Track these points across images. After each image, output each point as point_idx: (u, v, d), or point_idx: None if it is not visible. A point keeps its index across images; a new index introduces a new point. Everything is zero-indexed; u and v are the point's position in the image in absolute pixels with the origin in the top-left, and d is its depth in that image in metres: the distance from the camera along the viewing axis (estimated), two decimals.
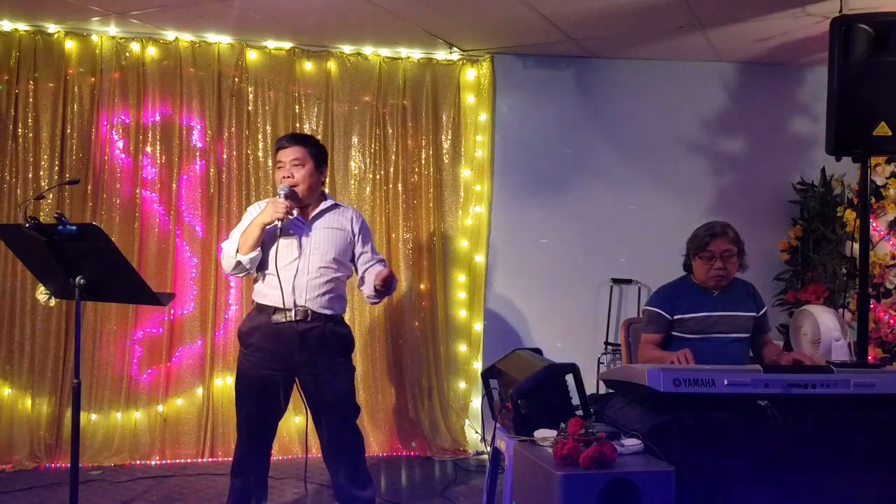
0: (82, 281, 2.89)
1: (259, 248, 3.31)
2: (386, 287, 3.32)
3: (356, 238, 3.48)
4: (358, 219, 3.52)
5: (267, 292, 3.35)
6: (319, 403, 3.41)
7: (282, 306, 3.29)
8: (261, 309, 3.38)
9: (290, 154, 3.38)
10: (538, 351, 3.21)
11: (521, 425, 2.65)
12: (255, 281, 3.44)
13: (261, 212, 3.32)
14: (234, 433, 4.79)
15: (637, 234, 5.27)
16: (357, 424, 3.52)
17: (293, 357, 3.30)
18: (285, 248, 3.32)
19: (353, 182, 5.07)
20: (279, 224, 3.25)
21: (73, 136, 4.74)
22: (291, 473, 4.42)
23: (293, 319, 3.29)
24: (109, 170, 4.80)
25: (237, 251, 3.32)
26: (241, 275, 3.48)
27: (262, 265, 3.37)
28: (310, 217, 3.41)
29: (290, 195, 3.33)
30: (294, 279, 3.31)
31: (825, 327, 3.85)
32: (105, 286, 2.98)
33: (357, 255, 3.50)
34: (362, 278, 3.52)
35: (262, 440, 3.43)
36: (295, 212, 3.34)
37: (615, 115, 5.32)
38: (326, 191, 3.65)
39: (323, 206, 3.45)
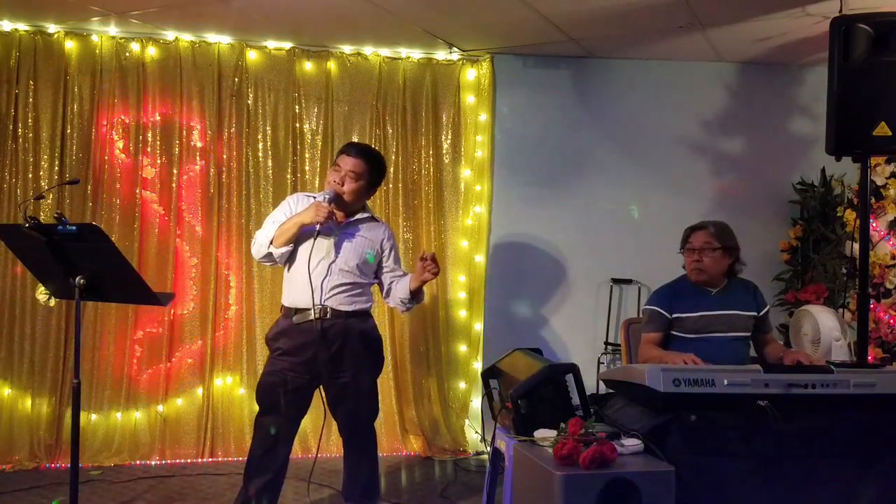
0: (82, 281, 2.89)
1: (292, 244, 3.37)
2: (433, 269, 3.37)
3: (386, 254, 3.54)
4: (389, 237, 3.58)
5: (290, 292, 3.41)
6: (340, 402, 3.46)
7: (303, 307, 3.35)
8: (285, 313, 3.45)
9: (351, 164, 3.41)
10: (538, 351, 3.21)
11: (521, 425, 2.65)
12: (285, 276, 3.48)
13: (303, 211, 3.36)
14: (234, 433, 4.85)
15: (637, 234, 5.27)
16: (374, 427, 3.59)
17: (317, 356, 3.34)
18: (314, 248, 3.35)
19: None
20: (318, 227, 3.29)
21: (73, 136, 4.74)
22: (292, 473, 4.38)
23: (313, 318, 3.33)
24: (109, 170, 4.80)
25: (271, 243, 3.37)
26: (268, 264, 3.53)
27: (289, 260, 3.42)
28: (344, 221, 3.46)
29: (334, 199, 3.37)
30: (315, 279, 3.34)
31: (825, 327, 3.85)
32: (105, 286, 2.98)
33: (384, 269, 3.55)
34: (388, 290, 3.58)
35: (280, 442, 3.44)
36: (335, 216, 3.39)
37: (615, 115, 5.32)
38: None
39: (360, 215, 3.50)
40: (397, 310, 3.81)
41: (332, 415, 3.52)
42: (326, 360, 3.36)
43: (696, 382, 2.60)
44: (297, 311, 3.37)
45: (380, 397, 4.97)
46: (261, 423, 3.45)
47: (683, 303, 3.58)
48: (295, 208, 3.44)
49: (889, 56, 3.10)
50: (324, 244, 3.38)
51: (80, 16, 4.57)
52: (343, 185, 3.39)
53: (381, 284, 3.61)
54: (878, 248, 4.81)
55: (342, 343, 3.38)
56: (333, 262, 3.38)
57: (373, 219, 3.56)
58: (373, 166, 3.46)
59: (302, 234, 3.36)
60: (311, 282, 3.30)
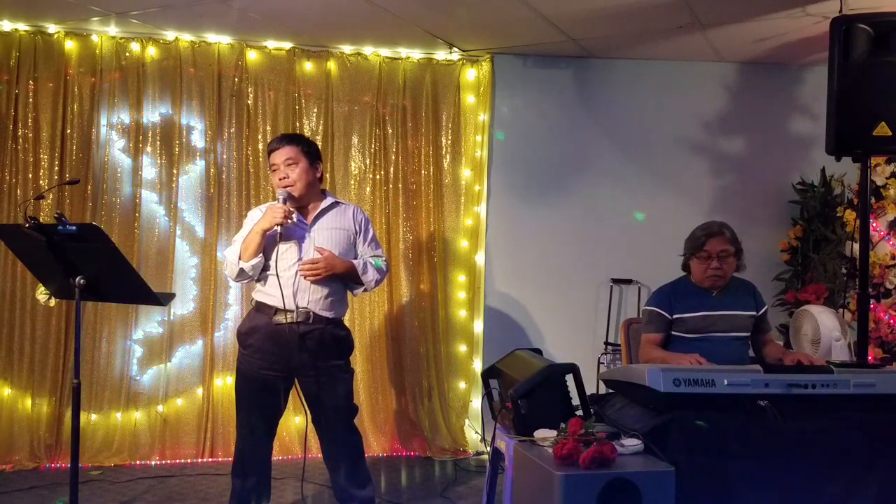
0: (82, 281, 2.89)
1: (261, 255, 3.32)
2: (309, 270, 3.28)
3: (359, 236, 3.49)
4: (359, 214, 3.53)
5: (269, 292, 3.35)
6: (318, 405, 3.42)
7: (283, 307, 3.29)
8: (261, 308, 3.38)
9: (282, 155, 3.39)
10: (538, 351, 3.20)
11: (521, 425, 2.65)
12: (258, 281, 3.44)
13: (260, 218, 3.32)
14: (234, 433, 4.82)
15: (637, 234, 5.27)
16: (356, 424, 3.53)
17: (293, 358, 3.31)
18: (287, 250, 3.33)
19: (353, 182, 5.07)
20: (279, 229, 3.26)
21: (73, 136, 4.74)
22: (291, 473, 4.42)
23: (294, 321, 3.30)
24: (109, 170, 4.80)
25: (239, 258, 3.33)
26: (245, 281, 3.48)
27: (264, 267, 3.37)
28: (311, 217, 3.42)
29: (289, 199, 3.34)
30: (296, 281, 3.31)
31: (825, 327, 3.85)
32: (105, 286, 2.98)
33: (363, 252, 3.51)
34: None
35: (262, 441, 3.43)
36: (294, 215, 3.34)
37: (615, 115, 5.32)
38: (326, 188, 3.64)
39: (323, 205, 3.45)
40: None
41: (314, 420, 3.46)
42: (302, 361, 3.32)
43: (697, 382, 2.60)
44: (278, 310, 3.31)
45: (380, 398, 5.04)
46: (239, 422, 3.44)
47: (684, 303, 3.57)
48: (257, 220, 3.38)
49: (889, 56, 3.11)
50: (297, 247, 3.34)
51: (80, 16, 4.57)
52: (288, 176, 3.36)
53: None
54: (878, 248, 4.80)
55: (318, 347, 3.34)
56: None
57: (338, 203, 3.51)
58: (302, 144, 3.44)
59: (270, 242, 3.31)
60: (281, 283, 3.26)
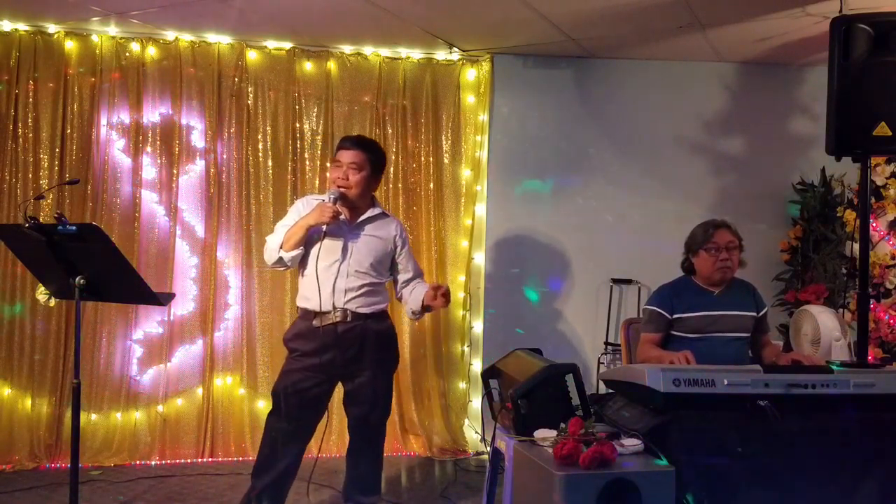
0: (82, 281, 2.89)
1: (302, 247, 3.36)
2: (444, 302, 3.44)
3: (398, 251, 3.54)
4: (402, 233, 3.57)
5: (308, 295, 3.39)
6: (355, 401, 3.46)
7: (320, 309, 3.34)
8: (303, 315, 3.44)
9: (349, 157, 3.40)
10: (538, 351, 3.21)
11: (521, 425, 2.65)
12: (300, 280, 3.48)
13: (308, 213, 3.35)
14: (234, 433, 4.85)
15: (637, 234, 5.27)
16: (385, 427, 3.58)
17: (335, 359, 3.34)
18: (327, 249, 3.36)
19: None
20: (324, 228, 3.28)
21: (73, 136, 4.75)
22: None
23: (333, 322, 3.33)
24: (109, 170, 4.80)
25: (281, 247, 3.36)
26: (281, 269, 3.53)
27: (303, 263, 3.41)
28: (356, 221, 3.45)
29: (339, 199, 3.35)
30: (334, 281, 3.34)
31: (825, 327, 3.85)
32: (105, 286, 2.98)
33: (398, 268, 3.55)
34: (400, 293, 3.61)
35: (284, 445, 3.41)
36: (342, 216, 3.36)
37: (615, 115, 5.32)
38: (376, 196, 3.67)
39: (370, 213, 3.48)
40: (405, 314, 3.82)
41: (346, 412, 3.53)
42: (344, 361, 3.36)
43: (696, 382, 2.59)
44: (316, 314, 3.36)
45: None
46: (267, 422, 3.45)
47: (684, 303, 3.58)
48: (303, 211, 3.43)
49: (889, 56, 3.10)
50: (337, 246, 3.37)
51: (80, 16, 4.57)
52: (347, 179, 3.38)
53: (394, 282, 3.62)
54: (878, 248, 4.80)
55: (360, 345, 3.38)
56: (348, 263, 3.37)
57: (384, 215, 3.55)
58: (372, 154, 3.46)
59: (312, 237, 3.36)
60: (319, 284, 3.30)
